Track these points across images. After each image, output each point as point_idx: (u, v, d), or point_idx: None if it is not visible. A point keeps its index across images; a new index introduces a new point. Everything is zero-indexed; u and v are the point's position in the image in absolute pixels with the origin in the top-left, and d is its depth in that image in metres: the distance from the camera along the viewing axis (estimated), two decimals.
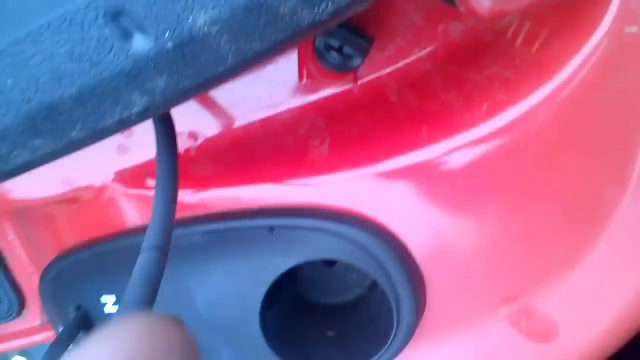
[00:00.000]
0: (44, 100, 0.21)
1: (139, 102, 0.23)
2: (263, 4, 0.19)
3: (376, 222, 0.35)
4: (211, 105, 0.39)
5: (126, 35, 0.20)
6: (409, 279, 0.35)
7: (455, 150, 0.33)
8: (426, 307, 0.38)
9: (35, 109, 0.21)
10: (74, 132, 0.23)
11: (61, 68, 0.20)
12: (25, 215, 0.48)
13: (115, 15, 0.19)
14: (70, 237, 0.46)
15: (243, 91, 0.38)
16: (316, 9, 0.20)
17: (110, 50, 0.20)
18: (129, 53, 0.20)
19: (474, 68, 0.34)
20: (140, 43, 0.20)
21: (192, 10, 0.19)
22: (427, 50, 0.36)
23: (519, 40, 0.33)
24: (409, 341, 0.37)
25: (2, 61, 0.20)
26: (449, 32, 0.36)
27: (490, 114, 0.32)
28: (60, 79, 0.20)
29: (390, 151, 0.35)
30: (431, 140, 0.34)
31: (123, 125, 0.24)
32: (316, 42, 0.34)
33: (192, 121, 0.39)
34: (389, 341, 0.36)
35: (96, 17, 0.19)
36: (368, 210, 0.36)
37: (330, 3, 0.20)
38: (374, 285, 0.43)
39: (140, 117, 0.24)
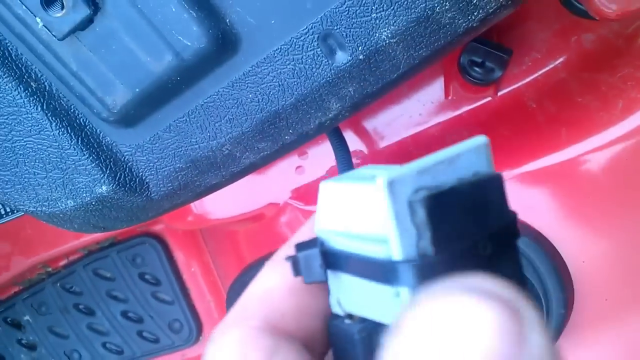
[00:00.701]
0: (272, 109, 0.29)
1: (334, 107, 0.30)
2: (430, 16, 0.26)
3: (524, 222, 0.39)
4: (369, 126, 0.46)
5: (331, 52, 0.27)
6: (557, 273, 0.38)
7: (595, 149, 0.37)
8: (575, 303, 0.40)
9: (265, 117, 0.29)
10: (287, 136, 0.31)
11: (286, 82, 0.28)
12: (213, 237, 0.58)
13: (325, 38, 0.27)
14: (250, 253, 0.54)
15: (397, 111, 0.44)
16: (470, 16, 0.26)
17: (320, 65, 0.28)
18: (332, 66, 0.28)
19: (607, 72, 0.38)
20: (341, 57, 0.27)
21: (379, 27, 0.26)
22: (562, 59, 0.41)
23: None
24: (560, 335, 0.40)
25: (247, 80, 0.28)
26: (582, 42, 0.40)
27: (626, 112, 0.36)
28: (284, 91, 0.28)
29: (532, 154, 0.39)
30: (571, 141, 0.38)
31: (320, 129, 0.32)
32: (461, 59, 0.40)
33: (354, 142, 0.46)
34: None
35: (312, 40, 0.27)
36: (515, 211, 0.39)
37: (481, 10, 0.26)
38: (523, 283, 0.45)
39: (334, 122, 0.31)
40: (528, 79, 0.41)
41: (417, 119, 0.44)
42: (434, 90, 0.43)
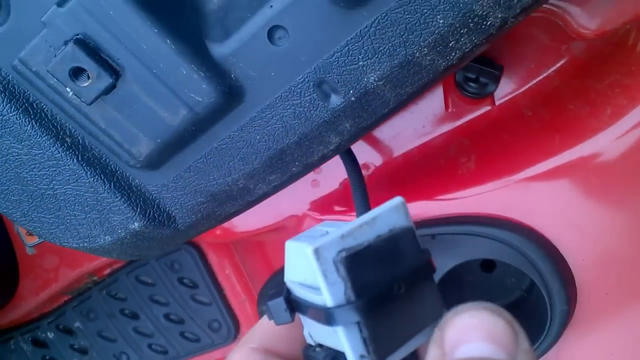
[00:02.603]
0: (278, 147, 0.32)
1: (334, 141, 0.33)
2: (411, 61, 0.29)
3: (523, 224, 0.42)
4: (376, 140, 0.49)
5: (326, 96, 0.30)
6: (558, 271, 0.41)
7: (587, 154, 0.39)
8: (577, 299, 0.42)
9: (273, 154, 0.33)
10: (294, 167, 0.34)
11: (288, 123, 0.31)
12: (242, 246, 0.62)
13: (319, 84, 0.30)
14: (277, 259, 0.58)
15: (401, 125, 0.47)
16: (448, 57, 0.29)
17: (317, 108, 0.31)
18: (328, 107, 0.31)
19: (596, 78, 0.40)
20: (335, 100, 0.30)
21: (366, 73, 0.29)
22: (554, 68, 0.43)
23: (637, 49, 0.39)
24: (564, 330, 0.42)
25: (254, 123, 0.31)
26: (572, 51, 0.42)
27: (614, 118, 0.38)
28: (287, 131, 0.32)
29: (529, 160, 0.41)
30: (564, 146, 0.40)
31: (323, 159, 0.35)
32: (456, 76, 0.43)
33: (363, 155, 0.49)
34: (546, 329, 0.41)
35: (308, 87, 0.30)
36: (514, 214, 0.42)
37: (458, 51, 0.29)
38: (531, 287, 0.48)
39: (334, 152, 0.35)
40: (523, 89, 0.43)
41: (421, 131, 0.47)
42: (435, 104, 0.46)
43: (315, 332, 0.23)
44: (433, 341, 0.21)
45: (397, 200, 0.22)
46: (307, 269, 0.20)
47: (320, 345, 0.22)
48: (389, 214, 0.21)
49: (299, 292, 0.22)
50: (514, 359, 0.20)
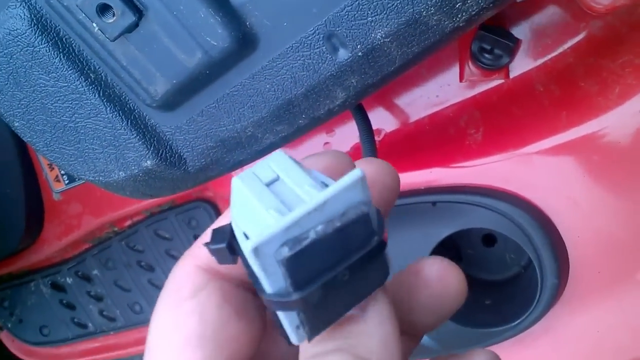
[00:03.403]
0: (286, 97, 0.34)
1: (340, 96, 0.34)
2: (418, 19, 0.30)
3: (522, 197, 0.43)
4: (390, 107, 0.50)
5: (335, 50, 0.32)
6: (551, 245, 0.41)
7: (591, 132, 0.39)
8: (570, 274, 0.43)
9: (281, 104, 0.34)
10: (301, 120, 0.36)
11: (297, 75, 0.33)
12: None
13: (329, 37, 0.31)
14: None
15: (415, 93, 0.48)
16: (454, 18, 0.30)
17: (325, 61, 0.32)
18: (336, 61, 0.32)
19: (610, 58, 0.40)
20: (343, 54, 0.32)
21: (374, 29, 0.30)
22: (570, 44, 0.43)
23: None
24: (554, 303, 0.43)
25: (265, 72, 0.33)
26: (590, 28, 0.43)
27: (622, 98, 0.38)
28: (296, 82, 0.33)
29: (535, 135, 0.42)
30: (570, 124, 0.41)
31: (330, 114, 0.36)
32: (472, 46, 0.43)
33: (376, 121, 0.50)
34: (535, 300, 0.42)
35: (318, 39, 0.31)
36: (515, 187, 0.43)
37: (464, 13, 0.30)
38: (529, 264, 0.49)
39: (341, 108, 0.36)
40: (538, 63, 0.44)
41: (434, 100, 0.48)
42: (450, 74, 0.46)
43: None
44: None
45: (356, 175, 0.19)
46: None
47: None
48: (344, 194, 0.19)
49: (241, 240, 0.20)
50: (365, 311, 0.20)
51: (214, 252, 0.21)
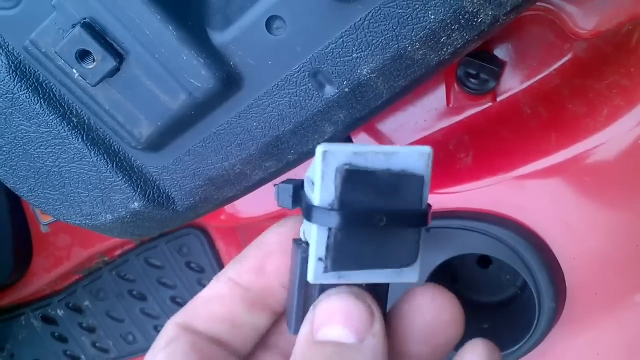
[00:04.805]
0: (274, 134, 0.33)
1: (329, 130, 0.34)
2: (403, 55, 0.29)
3: (516, 221, 0.42)
4: (380, 134, 0.49)
5: (321, 87, 0.31)
6: (548, 269, 0.41)
7: (581, 153, 0.39)
8: (567, 298, 0.43)
9: (269, 141, 0.34)
10: (290, 155, 0.35)
11: (284, 112, 0.32)
12: (247, 233, 0.63)
13: (315, 75, 0.31)
14: None
15: (403, 119, 0.48)
16: (440, 52, 0.30)
17: (312, 98, 0.32)
18: (322, 98, 0.32)
19: (597, 79, 0.40)
20: (329, 90, 0.31)
21: (360, 65, 0.30)
22: (557, 66, 0.43)
23: (639, 51, 0.39)
24: (552, 327, 0.42)
25: (252, 111, 0.33)
26: (575, 50, 0.43)
27: (610, 119, 0.38)
28: (283, 119, 0.33)
29: (525, 158, 0.42)
30: (560, 146, 0.41)
31: None
32: (458, 72, 0.43)
33: None
34: (534, 326, 0.42)
35: (304, 77, 0.31)
36: (508, 211, 0.43)
37: (449, 47, 0.29)
38: (525, 285, 0.48)
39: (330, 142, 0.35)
40: (524, 86, 0.44)
41: (422, 125, 0.47)
42: (437, 99, 0.46)
43: (305, 229, 0.24)
44: (307, 318, 0.23)
45: (426, 148, 0.22)
46: (315, 166, 0.22)
47: (307, 243, 0.24)
48: (410, 156, 0.22)
49: (306, 187, 0.23)
50: (362, 341, 0.22)
51: (279, 190, 0.24)
